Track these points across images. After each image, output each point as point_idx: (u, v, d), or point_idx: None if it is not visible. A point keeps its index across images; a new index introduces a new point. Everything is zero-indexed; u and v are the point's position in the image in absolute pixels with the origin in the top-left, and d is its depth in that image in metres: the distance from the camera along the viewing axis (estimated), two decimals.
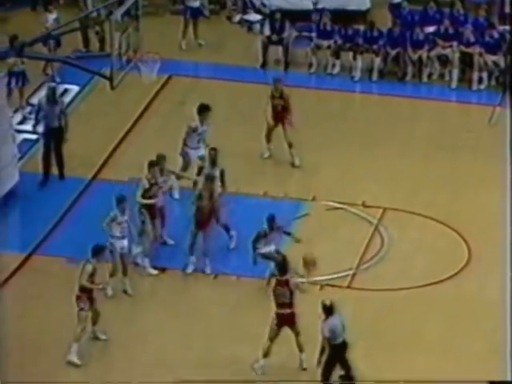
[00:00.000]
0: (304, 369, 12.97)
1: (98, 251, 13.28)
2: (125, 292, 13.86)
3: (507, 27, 20.15)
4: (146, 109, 18.84)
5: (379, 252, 15.17)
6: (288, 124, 16.85)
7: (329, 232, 15.60)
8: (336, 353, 12.50)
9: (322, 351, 12.48)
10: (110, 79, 14.79)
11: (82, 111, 18.69)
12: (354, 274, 14.76)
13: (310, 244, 15.30)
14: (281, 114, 16.93)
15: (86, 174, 16.88)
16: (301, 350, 13.03)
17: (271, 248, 14.40)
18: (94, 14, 19.29)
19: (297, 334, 13.03)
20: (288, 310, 12.97)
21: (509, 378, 12.70)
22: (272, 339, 13.02)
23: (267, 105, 17.00)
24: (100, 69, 15.29)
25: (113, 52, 14.80)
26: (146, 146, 17.33)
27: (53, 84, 17.24)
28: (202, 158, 15.95)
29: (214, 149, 15.48)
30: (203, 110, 16.32)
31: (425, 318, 14.02)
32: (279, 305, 12.98)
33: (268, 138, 17.19)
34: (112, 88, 14.91)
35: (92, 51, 19.64)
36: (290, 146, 16.96)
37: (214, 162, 15.34)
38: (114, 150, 17.62)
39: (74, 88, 19.19)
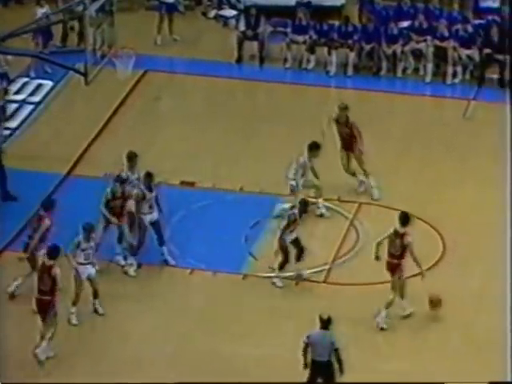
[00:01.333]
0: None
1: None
2: (96, 312, 13.73)
3: (482, 21, 20.26)
4: (121, 104, 18.78)
5: (355, 246, 15.20)
6: (358, 152, 15.98)
7: (304, 227, 15.60)
8: (315, 369, 12.15)
9: (303, 353, 12.18)
10: (85, 74, 14.75)
11: (56, 107, 18.62)
12: (329, 269, 14.79)
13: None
14: (349, 141, 16.00)
15: (61, 169, 16.80)
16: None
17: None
18: (76, 9, 19.24)
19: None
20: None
21: (509, 379, 12.73)
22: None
23: (328, 127, 16.18)
24: (74, 64, 15.22)
25: (87, 47, 14.74)
26: (120, 141, 17.26)
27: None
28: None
29: (149, 174, 14.52)
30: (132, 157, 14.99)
31: (400, 311, 14.07)
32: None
33: (348, 169, 16.07)
34: (86, 83, 14.86)
35: (68, 46, 19.58)
36: (366, 174, 15.93)
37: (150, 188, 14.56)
38: (89, 145, 17.55)
39: (48, 83, 19.11)
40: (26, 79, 18.00)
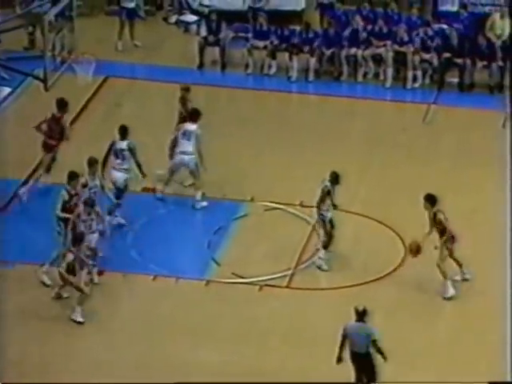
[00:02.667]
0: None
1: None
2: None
3: (443, 25, 20.42)
4: (81, 110, 18.68)
5: (317, 251, 15.22)
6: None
7: (267, 232, 15.63)
8: (354, 361, 12.21)
9: (340, 347, 12.25)
10: (44, 80, 14.62)
11: (15, 113, 18.45)
12: (292, 274, 14.80)
13: (248, 244, 15.33)
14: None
15: (20, 176, 16.66)
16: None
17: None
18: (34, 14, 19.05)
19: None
20: None
21: (509, 379, 12.78)
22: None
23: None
24: (33, 70, 15.10)
25: (46, 53, 14.62)
26: (81, 147, 17.15)
27: None
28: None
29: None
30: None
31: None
32: None
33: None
34: (46, 89, 14.74)
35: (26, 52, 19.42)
36: (460, 265, 14.71)
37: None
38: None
39: (6, 89, 18.93)
40: None
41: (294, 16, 21.39)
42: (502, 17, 20.18)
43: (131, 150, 15.46)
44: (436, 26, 20.34)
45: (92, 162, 14.81)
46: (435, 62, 19.90)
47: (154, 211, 15.93)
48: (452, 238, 14.31)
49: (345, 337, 12.24)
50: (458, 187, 16.76)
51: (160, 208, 16.07)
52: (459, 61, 19.78)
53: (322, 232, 14.63)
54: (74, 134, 17.93)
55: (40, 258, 14.35)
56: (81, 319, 13.55)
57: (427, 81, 19.99)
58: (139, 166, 15.54)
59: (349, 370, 12.56)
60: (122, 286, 14.48)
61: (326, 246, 14.62)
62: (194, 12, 21.75)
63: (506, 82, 19.56)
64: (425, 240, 14.22)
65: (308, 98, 19.74)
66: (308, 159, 17.43)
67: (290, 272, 14.80)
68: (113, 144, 15.58)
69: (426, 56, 19.90)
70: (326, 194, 14.52)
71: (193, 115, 16.20)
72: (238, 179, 16.83)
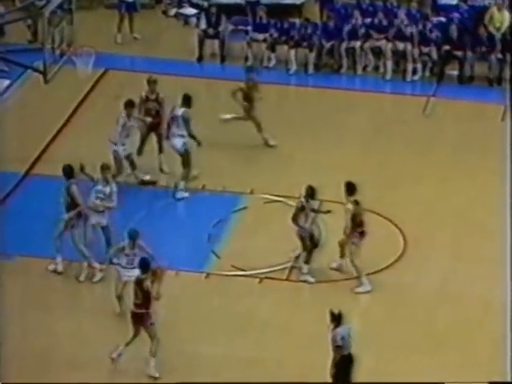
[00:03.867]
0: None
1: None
2: None
3: (442, 18, 20.41)
4: (81, 103, 18.67)
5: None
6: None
7: (267, 225, 15.63)
8: (345, 364, 12.15)
9: (335, 362, 12.18)
10: (44, 73, 14.60)
11: (15, 105, 18.44)
12: (292, 267, 14.80)
13: (248, 237, 15.33)
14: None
15: (19, 169, 16.66)
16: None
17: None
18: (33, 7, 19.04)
19: None
20: None
21: (509, 379, 12.78)
22: None
23: None
24: (32, 62, 15.09)
25: (45, 45, 14.61)
26: (80, 140, 17.16)
27: None
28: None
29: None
30: (129, 105, 15.85)
31: (365, 307, 14.12)
32: None
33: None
34: (46, 82, 14.72)
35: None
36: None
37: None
38: (48, 144, 17.42)
39: (5, 82, 18.91)
40: None
41: (294, 9, 21.37)
42: (499, 9, 20.17)
43: (184, 119, 15.56)
44: (435, 19, 20.33)
45: (104, 168, 14.69)
46: (435, 54, 19.89)
47: (153, 204, 15.92)
48: (360, 235, 14.08)
49: (340, 347, 12.07)
50: (457, 179, 16.76)
51: (159, 201, 16.06)
52: (459, 53, 19.77)
53: (300, 245, 14.48)
54: (73, 127, 17.96)
55: (41, 251, 14.35)
56: None
57: (427, 73, 19.99)
58: (191, 135, 15.73)
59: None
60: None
61: (307, 261, 14.51)
62: (193, 5, 21.74)
63: (506, 74, 19.56)
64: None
65: (307, 91, 19.73)
66: (307, 152, 17.43)
67: (289, 264, 14.81)
68: (172, 109, 15.76)
69: (426, 49, 19.89)
70: (300, 209, 14.38)
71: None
72: (237, 172, 16.83)
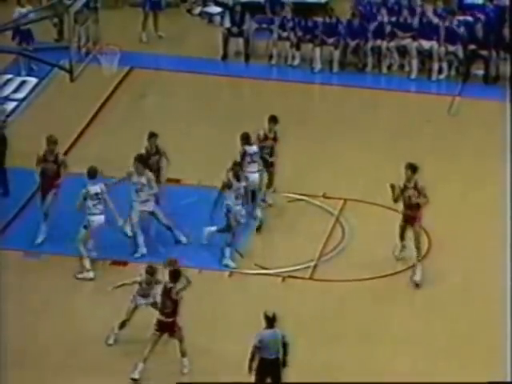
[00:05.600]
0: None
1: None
2: None
3: (468, 17, 20.32)
4: (106, 101, 18.74)
5: (340, 243, 15.22)
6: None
7: (290, 224, 15.63)
8: (264, 367, 12.11)
9: (252, 358, 12.12)
10: (70, 71, 14.68)
11: (41, 104, 18.57)
12: (315, 266, 14.80)
13: (271, 236, 15.34)
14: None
15: None
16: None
17: None
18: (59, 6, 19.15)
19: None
20: None
21: (509, 379, 12.77)
22: None
23: None
24: (58, 61, 15.18)
25: (72, 44, 14.69)
26: (106, 139, 17.24)
27: None
28: None
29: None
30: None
31: (388, 307, 14.10)
32: None
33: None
34: (72, 80, 14.80)
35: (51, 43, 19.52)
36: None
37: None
38: (74, 143, 17.51)
39: (32, 80, 19.06)
40: (9, 76, 17.90)
41: (318, 7, 21.34)
42: None
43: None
44: (461, 18, 20.24)
45: (137, 159, 14.76)
46: (460, 53, 19.80)
47: (177, 202, 15.97)
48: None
49: (258, 348, 12.02)
50: (482, 179, 16.69)
51: (184, 199, 16.10)
52: (484, 53, 19.68)
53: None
54: (98, 125, 18.04)
55: (66, 249, 14.42)
56: None
57: (453, 72, 19.90)
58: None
59: (372, 363, 12.58)
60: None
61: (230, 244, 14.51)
62: (218, 3, 21.77)
63: None
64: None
65: (332, 90, 19.70)
66: (332, 151, 17.41)
67: (313, 263, 14.81)
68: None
69: (452, 48, 19.81)
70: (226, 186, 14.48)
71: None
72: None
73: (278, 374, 12.16)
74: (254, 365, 12.10)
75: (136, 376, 12.77)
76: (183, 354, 12.96)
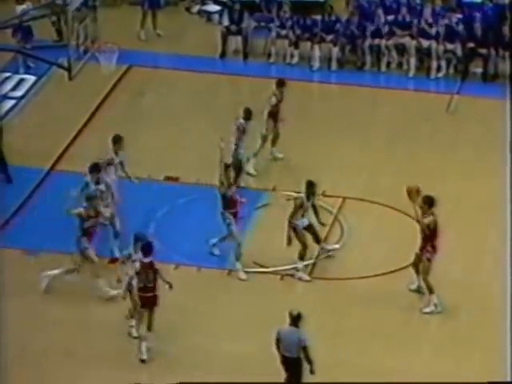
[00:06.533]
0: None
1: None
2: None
3: (467, 15, 20.27)
4: (104, 99, 18.73)
5: (339, 241, 15.21)
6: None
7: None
8: (284, 364, 12.09)
9: (278, 350, 12.07)
10: (68, 69, 14.68)
11: (39, 102, 18.55)
12: (314, 264, 14.80)
13: (270, 234, 15.33)
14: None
15: (44, 165, 16.75)
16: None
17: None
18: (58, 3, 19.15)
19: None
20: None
21: (509, 379, 12.76)
22: None
23: None
24: (57, 59, 15.17)
25: (70, 42, 14.69)
26: (104, 137, 17.17)
27: None
28: None
29: None
30: (117, 140, 15.11)
31: (386, 306, 14.09)
32: None
33: None
34: (70, 78, 14.80)
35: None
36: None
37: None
38: (72, 141, 17.50)
39: (31, 78, 19.04)
40: (7, 74, 17.87)
41: (317, 6, 21.33)
42: None
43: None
44: (460, 16, 20.23)
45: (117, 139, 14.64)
46: (459, 51, 19.80)
47: (175, 200, 15.96)
48: (433, 249, 13.62)
49: (278, 340, 12.06)
50: (480, 177, 16.69)
51: (182, 197, 16.10)
52: (483, 51, 19.67)
53: (298, 241, 14.32)
54: (96, 124, 18.02)
55: (64, 247, 14.42)
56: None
57: (451, 71, 19.90)
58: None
59: (373, 359, 12.58)
60: None
61: (302, 257, 14.45)
62: (216, 2, 21.75)
63: None
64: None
65: (330, 88, 19.69)
66: (330, 149, 17.40)
67: (311, 261, 14.80)
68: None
69: (450, 46, 19.81)
70: (299, 206, 14.31)
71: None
72: (259, 169, 16.83)
73: (295, 373, 12.06)
74: (280, 357, 12.02)
75: (144, 356, 12.79)
76: (150, 328, 12.84)
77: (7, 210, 15.53)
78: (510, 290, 14.17)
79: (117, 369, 12.86)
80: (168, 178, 16.49)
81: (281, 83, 16.78)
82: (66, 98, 18.27)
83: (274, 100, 16.64)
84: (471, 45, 19.73)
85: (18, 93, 18.86)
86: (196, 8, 22.02)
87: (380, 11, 20.19)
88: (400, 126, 18.27)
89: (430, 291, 13.81)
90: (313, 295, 14.24)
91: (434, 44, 19.77)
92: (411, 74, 19.88)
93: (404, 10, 20.20)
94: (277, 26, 20.32)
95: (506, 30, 19.77)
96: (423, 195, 13.65)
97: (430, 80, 19.78)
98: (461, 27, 19.84)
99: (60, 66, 15.02)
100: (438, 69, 19.83)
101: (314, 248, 14.96)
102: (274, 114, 16.71)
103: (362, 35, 20.02)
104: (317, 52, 20.02)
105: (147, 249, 12.97)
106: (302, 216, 14.36)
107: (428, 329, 13.71)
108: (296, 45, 20.23)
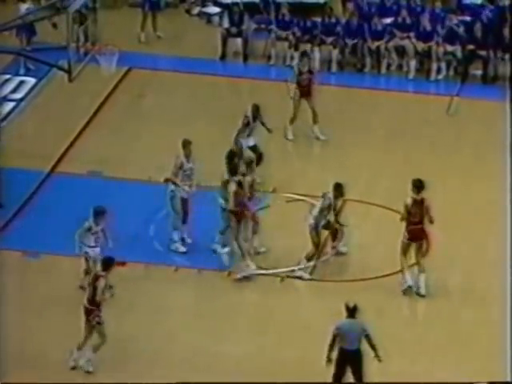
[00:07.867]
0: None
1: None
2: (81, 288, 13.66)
3: (466, 18, 20.33)
4: (104, 101, 18.75)
5: (339, 243, 15.20)
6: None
7: (289, 224, 15.63)
8: (343, 358, 12.07)
9: (330, 348, 12.09)
10: (69, 71, 14.72)
11: (40, 104, 18.57)
12: (314, 266, 14.81)
13: (270, 236, 15.35)
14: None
15: (44, 167, 16.76)
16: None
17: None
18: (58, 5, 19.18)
19: None
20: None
21: (509, 379, 12.77)
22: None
23: None
24: (57, 61, 15.20)
25: (70, 44, 14.72)
26: (104, 139, 17.25)
27: None
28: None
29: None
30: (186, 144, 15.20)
31: (385, 308, 14.11)
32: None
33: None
34: (70, 80, 14.84)
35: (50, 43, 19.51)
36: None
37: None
38: (72, 143, 17.52)
39: (31, 80, 19.06)
40: (7, 76, 17.89)
41: (317, 8, 21.36)
42: None
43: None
44: (460, 18, 20.26)
45: (186, 143, 14.77)
46: (459, 54, 19.82)
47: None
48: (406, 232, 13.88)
49: (336, 336, 12.05)
50: (480, 179, 16.70)
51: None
52: (483, 53, 19.70)
53: (312, 242, 14.45)
54: (96, 125, 18.04)
55: (66, 249, 14.43)
56: None
57: (451, 73, 19.92)
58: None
59: (371, 363, 12.57)
60: (144, 277, 14.54)
61: (309, 258, 14.50)
62: (216, 4, 21.79)
63: None
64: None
65: (330, 90, 19.70)
66: (330, 151, 17.42)
67: (311, 264, 14.81)
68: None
69: (450, 48, 19.83)
70: (327, 207, 14.37)
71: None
72: (260, 171, 16.83)
73: (358, 365, 12.08)
74: (333, 355, 11.99)
75: (71, 364, 12.66)
76: (94, 349, 12.61)
77: (7, 212, 15.54)
78: (510, 291, 14.18)
79: (116, 371, 12.87)
80: (168, 180, 16.50)
81: (305, 54, 17.73)
82: (66, 100, 18.30)
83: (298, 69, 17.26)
84: (471, 47, 19.76)
85: (18, 95, 18.89)
86: (196, 10, 22.05)
87: (380, 12, 20.19)
88: (400, 127, 18.28)
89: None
90: (312, 297, 14.25)
91: (433, 46, 19.80)
92: (411, 76, 19.91)
93: (404, 12, 20.23)
94: (277, 28, 20.35)
95: (505, 32, 19.81)
96: (413, 178, 14.01)
97: (429, 82, 19.80)
98: (461, 29, 19.87)
99: (60, 68, 15.06)
100: (438, 71, 19.85)
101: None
102: (305, 92, 17.04)
103: (361, 37, 20.03)
104: (317, 54, 20.04)
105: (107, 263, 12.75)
106: (325, 217, 14.35)
107: (428, 329, 13.72)
108: (296, 47, 20.25)
